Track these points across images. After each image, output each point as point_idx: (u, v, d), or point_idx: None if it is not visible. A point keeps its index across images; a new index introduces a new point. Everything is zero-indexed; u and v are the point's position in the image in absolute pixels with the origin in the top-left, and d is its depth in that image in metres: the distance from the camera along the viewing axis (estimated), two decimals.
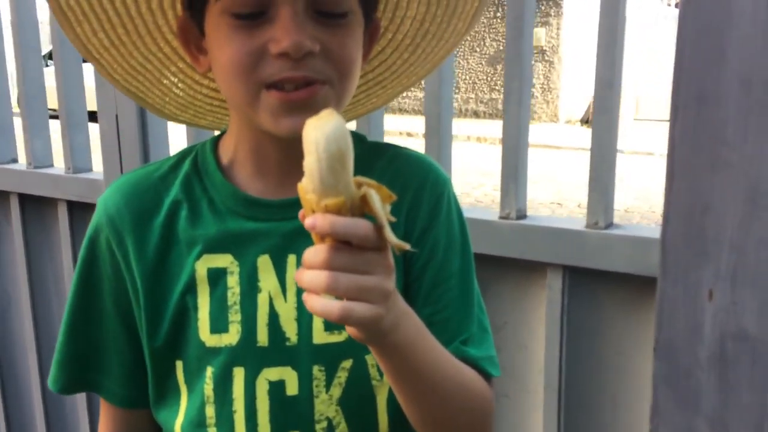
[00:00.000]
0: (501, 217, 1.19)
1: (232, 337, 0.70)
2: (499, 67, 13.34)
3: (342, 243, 0.52)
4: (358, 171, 0.74)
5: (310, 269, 0.52)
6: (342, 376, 0.71)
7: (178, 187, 0.73)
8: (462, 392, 0.69)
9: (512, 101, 1.14)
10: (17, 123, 1.61)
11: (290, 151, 0.69)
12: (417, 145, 0.89)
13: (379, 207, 0.52)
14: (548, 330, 1.18)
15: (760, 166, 0.46)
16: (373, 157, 0.77)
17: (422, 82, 1.05)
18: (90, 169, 1.57)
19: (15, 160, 1.68)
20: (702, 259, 0.50)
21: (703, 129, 0.48)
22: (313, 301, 0.53)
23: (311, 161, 0.50)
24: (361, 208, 0.52)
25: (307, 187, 0.51)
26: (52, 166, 1.63)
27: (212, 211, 0.71)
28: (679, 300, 0.51)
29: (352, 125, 1.18)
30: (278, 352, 0.70)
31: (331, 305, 0.52)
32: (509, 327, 1.27)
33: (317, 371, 0.71)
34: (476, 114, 13.84)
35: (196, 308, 0.70)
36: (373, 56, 0.79)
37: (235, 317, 0.70)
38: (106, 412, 0.78)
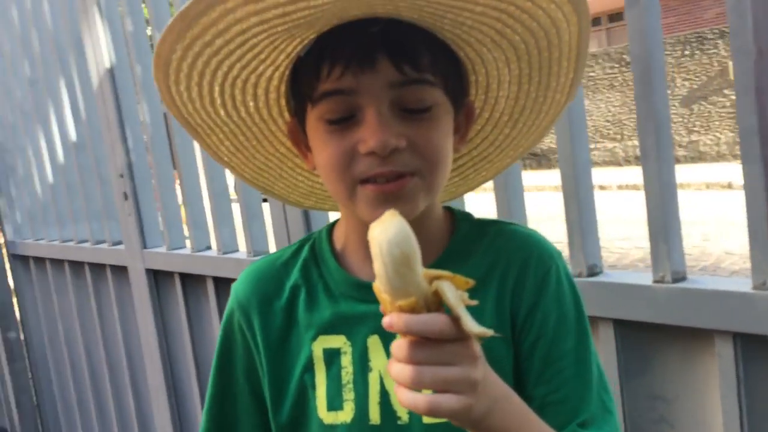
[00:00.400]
0: (655, 281, 1.10)
1: (347, 414, 0.73)
2: (695, 107, 12.38)
3: (424, 338, 0.53)
4: (462, 250, 0.76)
5: (397, 362, 0.54)
6: None
7: (297, 273, 0.79)
8: None
9: (650, 154, 1.06)
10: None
11: None
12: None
13: (453, 299, 0.52)
14: (725, 403, 1.06)
15: None
16: (477, 235, 0.78)
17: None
18: (267, 251, 1.74)
19: (209, 248, 1.91)
20: None
21: None
22: (401, 394, 0.53)
23: (378, 265, 0.51)
24: (436, 302, 0.53)
25: (380, 288, 0.53)
26: (237, 250, 1.83)
27: (327, 294, 0.76)
28: None
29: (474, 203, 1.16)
30: (390, 430, 0.72)
31: (418, 399, 0.53)
32: (680, 401, 1.16)
33: None
34: (677, 159, 12.86)
35: (314, 387, 0.75)
36: (474, 134, 0.82)
37: (349, 395, 0.73)
38: None
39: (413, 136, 0.66)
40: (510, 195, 1.18)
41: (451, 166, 0.74)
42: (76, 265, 2.55)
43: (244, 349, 0.80)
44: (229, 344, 0.82)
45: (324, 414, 0.74)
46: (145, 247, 2.10)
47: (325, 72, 0.66)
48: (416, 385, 0.53)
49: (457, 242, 0.78)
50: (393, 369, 0.54)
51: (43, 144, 2.57)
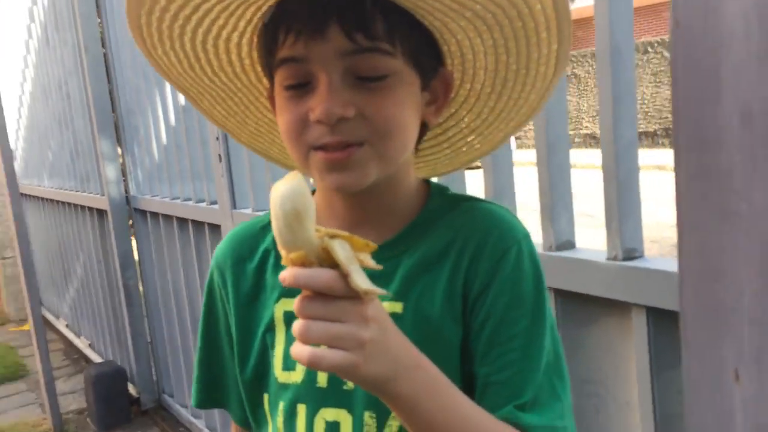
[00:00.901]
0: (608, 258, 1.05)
1: (298, 375, 0.75)
2: None
3: (316, 293, 0.54)
4: (426, 224, 0.75)
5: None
6: (393, 425, 0.71)
7: (270, 237, 0.80)
8: None
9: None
10: None
11: (354, 203, 0.74)
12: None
13: (343, 256, 0.53)
14: None
15: None
16: (446, 210, 0.76)
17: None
18: None
19: None
20: (722, 333, 0.41)
21: (708, 174, 0.40)
22: (293, 347, 0.55)
23: (272, 219, 0.54)
24: (330, 260, 0.54)
25: (278, 243, 0.55)
26: None
27: None
28: (705, 381, 0.42)
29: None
30: (335, 394, 0.73)
31: (303, 351, 0.54)
32: None
33: (368, 417, 0.72)
34: None
35: (273, 346, 0.78)
36: (458, 106, 0.79)
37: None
38: (233, 428, 0.91)
39: (364, 105, 0.66)
40: (498, 173, 1.18)
41: (413, 137, 0.72)
42: (182, 222, 2.74)
43: (222, 305, 0.84)
44: (211, 301, 0.86)
45: (279, 373, 0.76)
46: (234, 208, 2.22)
47: (281, 39, 0.67)
48: (304, 339, 0.54)
49: (424, 215, 0.76)
50: (294, 324, 0.55)
51: (159, 105, 2.77)
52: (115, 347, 3.75)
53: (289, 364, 0.76)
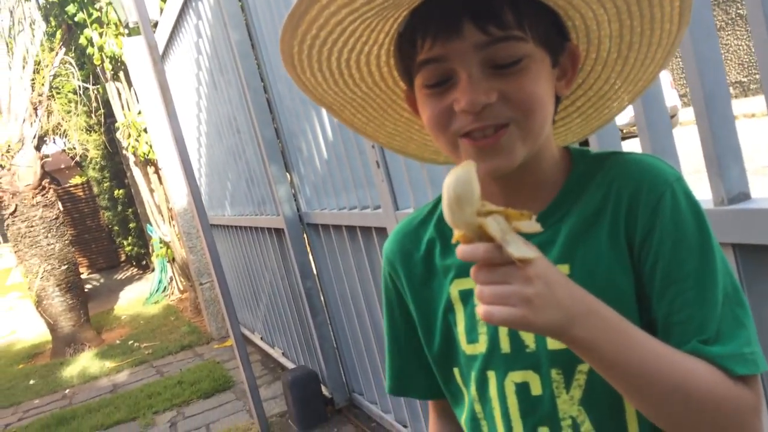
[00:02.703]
0: None
1: (482, 346, 0.81)
2: None
3: (484, 264, 0.63)
4: (576, 189, 0.79)
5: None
6: (580, 378, 0.74)
7: (432, 228, 0.88)
8: (681, 393, 0.65)
9: None
10: None
11: (508, 184, 0.79)
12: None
13: (496, 230, 0.61)
14: None
15: None
16: (593, 170, 0.78)
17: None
18: None
19: None
20: None
21: None
22: (477, 308, 0.64)
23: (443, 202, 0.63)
24: (487, 234, 0.62)
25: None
26: None
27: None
28: None
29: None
30: (520, 357, 0.78)
31: (479, 309, 0.63)
32: None
33: (555, 374, 0.76)
34: None
35: (455, 324, 0.84)
36: (586, 75, 0.81)
37: (482, 329, 0.81)
38: (430, 409, 0.97)
39: (505, 88, 0.71)
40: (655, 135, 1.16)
41: (551, 111, 0.75)
42: (351, 230, 2.91)
43: (397, 295, 0.92)
44: (389, 295, 0.94)
45: (465, 346, 0.83)
46: (397, 209, 2.33)
47: (419, 44, 0.73)
48: (481, 300, 0.63)
49: (572, 181, 0.80)
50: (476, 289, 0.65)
51: (317, 124, 2.97)
52: (305, 353, 4.05)
53: (473, 337, 0.82)
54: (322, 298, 3.60)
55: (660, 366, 0.66)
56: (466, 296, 0.83)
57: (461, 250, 0.63)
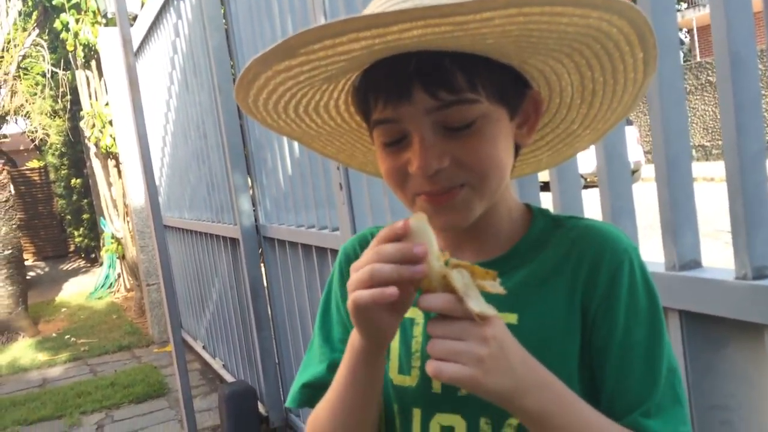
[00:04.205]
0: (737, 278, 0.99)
1: (413, 380, 0.79)
2: None
3: (443, 316, 0.62)
4: (535, 244, 0.79)
5: None
6: (508, 431, 0.74)
7: None
8: None
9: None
10: None
11: (462, 233, 0.79)
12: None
13: (459, 283, 0.61)
14: None
15: None
16: (552, 228, 0.79)
17: None
18: None
19: None
20: None
21: None
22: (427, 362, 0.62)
23: None
24: (450, 285, 0.61)
25: None
26: None
27: None
28: None
29: None
30: (450, 400, 0.76)
31: (428, 363, 0.61)
32: None
33: (484, 423, 0.75)
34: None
35: (389, 350, 0.81)
36: (552, 116, 0.82)
37: (416, 363, 0.79)
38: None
39: (458, 152, 0.70)
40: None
41: (509, 166, 0.75)
42: (306, 248, 2.87)
43: (342, 290, 0.88)
44: (334, 287, 0.90)
45: (394, 375, 0.81)
46: (355, 233, 2.31)
47: (372, 104, 0.73)
48: (432, 354, 0.62)
49: (532, 236, 0.80)
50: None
51: (285, 138, 2.94)
52: (246, 368, 3.96)
53: (404, 369, 0.80)
54: (269, 313, 3.54)
55: None
56: (406, 325, 0.81)
57: (423, 299, 0.62)
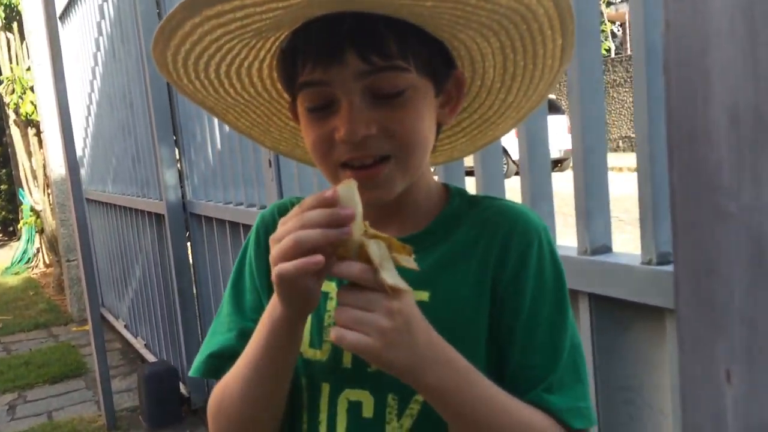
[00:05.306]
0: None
1: (323, 354, 0.78)
2: None
3: (354, 285, 0.62)
4: (450, 222, 0.78)
5: None
6: (414, 408, 0.74)
7: None
8: None
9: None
10: None
11: (380, 208, 0.77)
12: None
13: (376, 254, 0.61)
14: None
15: (761, 214, 0.37)
16: (467, 208, 0.80)
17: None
18: None
19: None
20: (714, 332, 0.41)
21: (698, 172, 0.40)
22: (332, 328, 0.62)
23: None
24: (365, 256, 0.61)
25: None
26: None
27: None
28: (698, 379, 0.42)
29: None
30: (359, 375, 0.76)
31: (333, 329, 0.62)
32: None
33: (391, 399, 0.75)
34: None
35: (303, 324, 0.78)
36: (471, 100, 0.83)
37: (327, 338, 0.78)
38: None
39: (386, 120, 0.70)
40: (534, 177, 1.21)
41: (432, 143, 0.76)
42: (234, 225, 2.81)
43: (257, 259, 0.84)
44: (248, 254, 0.87)
45: (305, 349, 0.79)
46: None
47: (300, 65, 0.71)
48: (337, 321, 0.62)
49: (447, 214, 0.81)
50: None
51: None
52: (169, 348, 3.87)
53: (315, 343, 0.79)
54: (194, 291, 3.46)
55: (503, 421, 0.68)
56: (322, 299, 0.80)
57: (338, 266, 0.62)
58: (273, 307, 0.70)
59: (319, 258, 0.60)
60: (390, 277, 0.61)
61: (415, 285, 0.72)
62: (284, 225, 0.63)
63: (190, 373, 0.85)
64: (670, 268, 0.99)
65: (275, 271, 0.62)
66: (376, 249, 0.61)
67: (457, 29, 0.71)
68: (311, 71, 0.70)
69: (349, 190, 0.62)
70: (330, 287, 0.80)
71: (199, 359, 0.84)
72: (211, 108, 0.85)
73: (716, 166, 0.39)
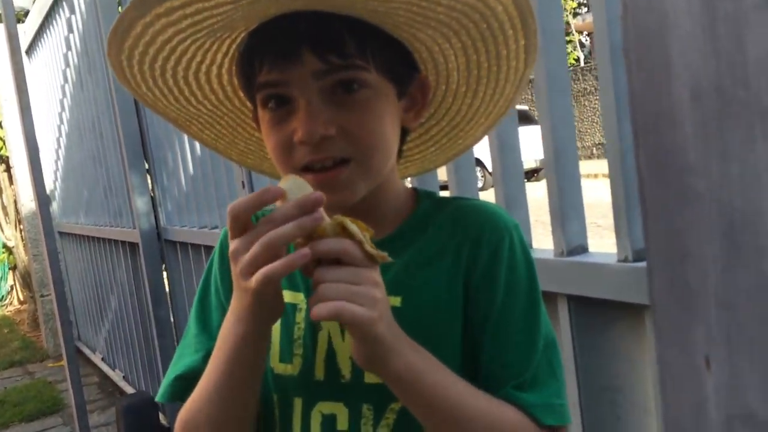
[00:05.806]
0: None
1: (294, 368, 0.76)
2: None
3: (333, 263, 0.60)
4: (420, 224, 0.79)
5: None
6: (390, 417, 0.73)
7: None
8: None
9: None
10: None
11: (347, 213, 0.75)
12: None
13: (356, 229, 0.61)
14: None
15: (730, 191, 0.36)
16: (436, 210, 0.80)
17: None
18: None
19: None
20: (691, 317, 0.40)
21: (665, 153, 0.39)
22: (313, 310, 0.59)
23: None
24: (342, 234, 0.61)
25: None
26: None
27: None
28: (678, 369, 0.41)
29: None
30: (333, 387, 0.74)
31: (324, 306, 0.58)
32: None
33: (366, 410, 0.73)
34: None
35: (269, 337, 0.77)
36: (437, 105, 0.82)
37: (298, 351, 0.76)
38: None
39: (345, 121, 0.68)
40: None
41: (395, 146, 0.75)
42: (209, 250, 2.77)
43: (222, 279, 0.83)
44: (212, 275, 0.85)
45: (275, 363, 0.78)
46: None
47: (258, 67, 0.69)
48: (325, 297, 0.59)
49: (416, 218, 0.80)
50: (314, 291, 0.60)
51: (185, 136, 2.83)
52: (147, 378, 3.78)
53: (285, 357, 0.77)
54: (171, 319, 3.40)
55: (472, 413, 0.67)
56: (288, 311, 0.78)
57: (322, 243, 0.59)
58: (236, 322, 0.66)
59: (306, 251, 0.59)
60: (372, 248, 0.61)
61: (386, 290, 0.70)
62: (244, 238, 0.60)
63: (157, 398, 0.82)
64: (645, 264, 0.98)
65: (258, 277, 0.59)
66: (353, 225, 0.61)
67: (416, 28, 0.70)
68: (268, 71, 0.69)
69: (295, 180, 0.62)
70: (298, 298, 0.78)
71: (165, 382, 0.81)
72: (174, 119, 0.83)
73: (682, 146, 0.38)
